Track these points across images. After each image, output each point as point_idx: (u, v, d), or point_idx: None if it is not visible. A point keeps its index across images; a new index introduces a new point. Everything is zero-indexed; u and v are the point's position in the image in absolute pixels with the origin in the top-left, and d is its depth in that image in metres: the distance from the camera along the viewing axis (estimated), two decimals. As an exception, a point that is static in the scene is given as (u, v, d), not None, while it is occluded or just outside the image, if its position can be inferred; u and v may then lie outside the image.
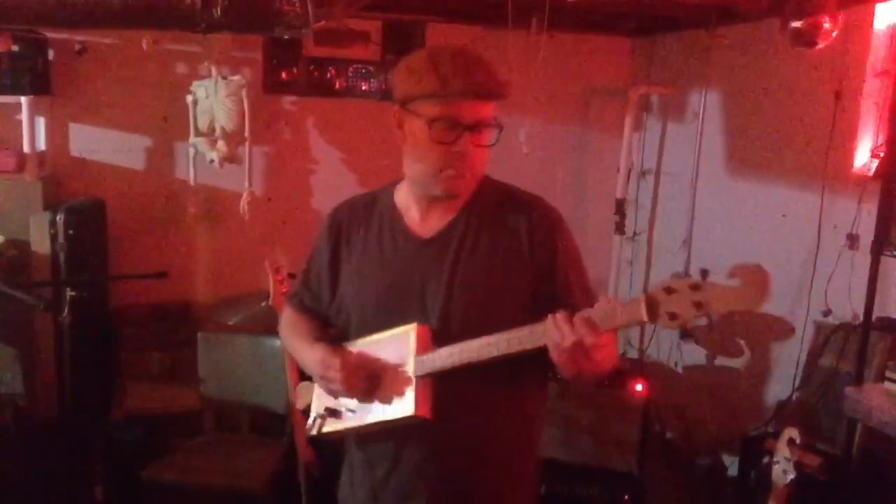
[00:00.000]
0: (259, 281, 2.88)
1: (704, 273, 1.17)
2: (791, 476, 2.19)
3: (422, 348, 1.45)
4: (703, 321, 1.22)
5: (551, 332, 1.29)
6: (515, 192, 1.60)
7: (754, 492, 2.76)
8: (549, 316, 1.30)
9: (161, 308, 3.70)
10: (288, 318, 1.76)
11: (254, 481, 2.80)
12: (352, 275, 1.60)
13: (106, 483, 2.87)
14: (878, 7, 2.90)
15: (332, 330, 1.66)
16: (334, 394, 1.55)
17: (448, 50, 1.47)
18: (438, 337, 1.45)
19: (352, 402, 1.53)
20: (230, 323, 3.24)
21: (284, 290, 2.77)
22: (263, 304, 2.83)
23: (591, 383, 1.51)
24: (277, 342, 2.89)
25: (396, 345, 1.48)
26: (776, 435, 2.40)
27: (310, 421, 1.61)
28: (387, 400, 1.47)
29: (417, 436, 1.49)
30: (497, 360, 1.37)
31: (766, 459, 2.40)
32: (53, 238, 3.15)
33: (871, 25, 2.94)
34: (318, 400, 1.63)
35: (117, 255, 3.66)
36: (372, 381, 1.49)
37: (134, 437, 3.29)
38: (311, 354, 1.57)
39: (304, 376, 1.75)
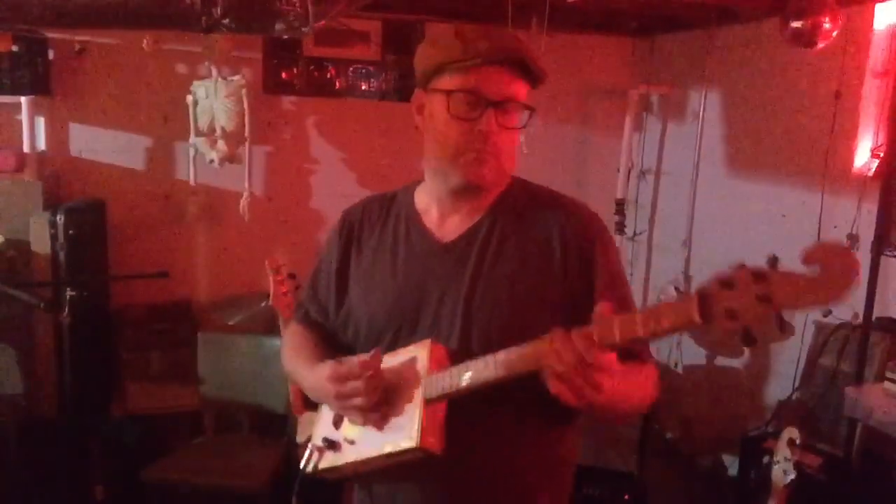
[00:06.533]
0: (259, 281, 2.87)
1: (773, 261, 0.91)
2: (791, 476, 2.19)
3: (434, 369, 1.21)
4: (772, 320, 0.87)
5: (545, 351, 1.05)
6: (549, 194, 1.38)
7: (754, 492, 2.76)
8: (554, 328, 1.07)
9: (161, 308, 3.70)
10: (290, 337, 1.52)
11: (254, 481, 2.80)
12: (361, 281, 1.39)
13: (106, 483, 2.88)
14: (878, 7, 2.90)
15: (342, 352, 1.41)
16: (349, 412, 1.27)
17: (477, 24, 1.29)
18: (456, 359, 1.22)
19: (352, 432, 1.29)
20: (230, 323, 3.24)
21: (284, 290, 2.76)
22: (263, 304, 2.82)
23: (611, 421, 1.30)
24: (277, 342, 2.88)
25: (408, 364, 1.25)
26: (776, 435, 2.40)
27: (306, 455, 1.37)
28: (391, 429, 1.22)
29: (424, 475, 1.25)
30: (514, 386, 1.12)
31: (766, 459, 2.41)
32: (53, 238, 3.15)
33: (871, 25, 2.93)
34: (318, 431, 1.39)
35: (117, 255, 3.66)
36: (387, 397, 1.24)
37: (134, 437, 3.29)
38: (316, 373, 1.31)
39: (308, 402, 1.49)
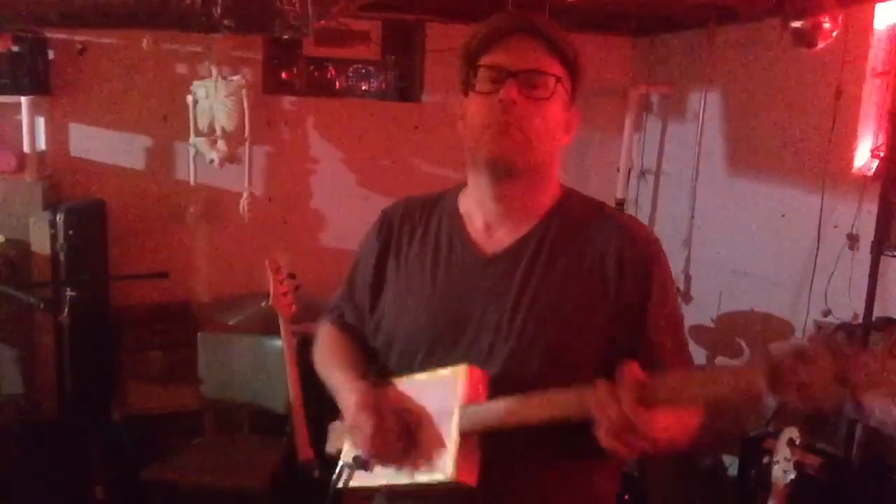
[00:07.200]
0: (259, 281, 2.87)
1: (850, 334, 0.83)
2: (791, 476, 2.19)
3: (470, 397, 1.14)
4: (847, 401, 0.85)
5: (593, 404, 1.00)
6: (606, 211, 1.30)
7: (754, 492, 2.76)
8: (598, 382, 1.01)
9: (161, 308, 3.70)
10: (324, 338, 1.45)
11: (254, 481, 2.80)
12: (397, 289, 1.32)
13: (106, 483, 2.88)
14: (878, 7, 2.91)
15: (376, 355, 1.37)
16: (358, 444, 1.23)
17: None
18: (495, 384, 1.15)
19: None
20: (230, 323, 3.24)
21: (284, 290, 2.77)
22: (263, 304, 2.83)
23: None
24: (278, 342, 2.89)
25: (443, 390, 1.18)
26: (776, 435, 2.40)
27: (337, 470, 1.31)
28: (425, 458, 1.17)
29: (459, 500, 1.18)
30: (552, 425, 1.07)
31: (766, 459, 2.41)
32: (53, 238, 3.14)
33: (871, 25, 2.94)
34: (349, 447, 1.32)
35: (117, 255, 3.66)
36: (409, 439, 1.19)
37: (134, 437, 3.29)
38: (346, 396, 1.25)
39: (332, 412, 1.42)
